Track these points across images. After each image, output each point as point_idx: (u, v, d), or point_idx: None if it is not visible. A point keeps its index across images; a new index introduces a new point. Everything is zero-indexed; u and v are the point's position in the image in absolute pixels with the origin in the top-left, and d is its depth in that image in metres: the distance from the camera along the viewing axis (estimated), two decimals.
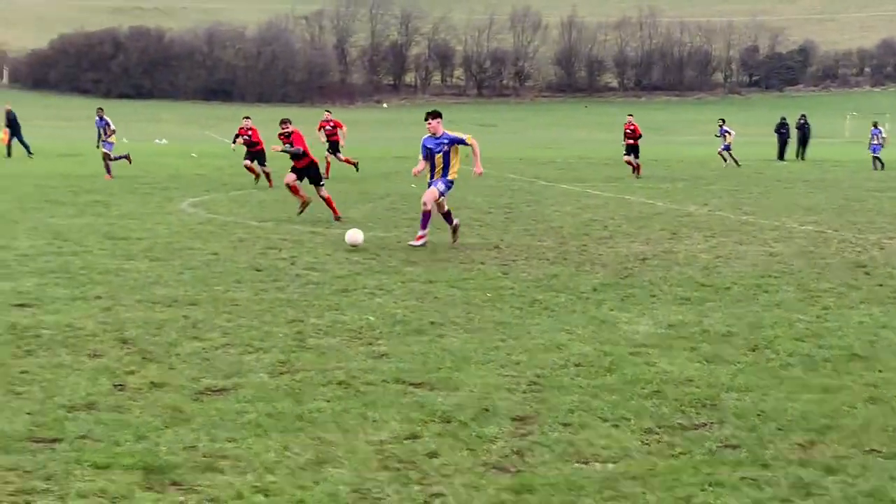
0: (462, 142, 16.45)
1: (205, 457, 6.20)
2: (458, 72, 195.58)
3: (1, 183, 29.43)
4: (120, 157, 34.08)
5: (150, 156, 53.11)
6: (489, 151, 64.87)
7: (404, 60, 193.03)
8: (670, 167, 44.93)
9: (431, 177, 16.52)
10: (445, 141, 16.32)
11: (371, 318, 10.44)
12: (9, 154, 46.59)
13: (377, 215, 21.65)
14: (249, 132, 31.24)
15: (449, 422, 6.97)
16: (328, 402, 7.40)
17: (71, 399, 7.35)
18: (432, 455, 6.31)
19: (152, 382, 7.85)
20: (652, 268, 14.33)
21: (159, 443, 6.43)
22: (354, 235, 16.03)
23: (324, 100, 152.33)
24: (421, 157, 16.63)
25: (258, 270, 13.59)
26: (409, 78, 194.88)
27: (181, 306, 10.93)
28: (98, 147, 34.41)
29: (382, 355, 8.88)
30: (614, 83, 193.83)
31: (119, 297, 11.42)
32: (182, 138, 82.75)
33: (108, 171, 32.95)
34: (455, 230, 16.80)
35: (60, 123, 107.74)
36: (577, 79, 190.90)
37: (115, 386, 7.76)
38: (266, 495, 5.64)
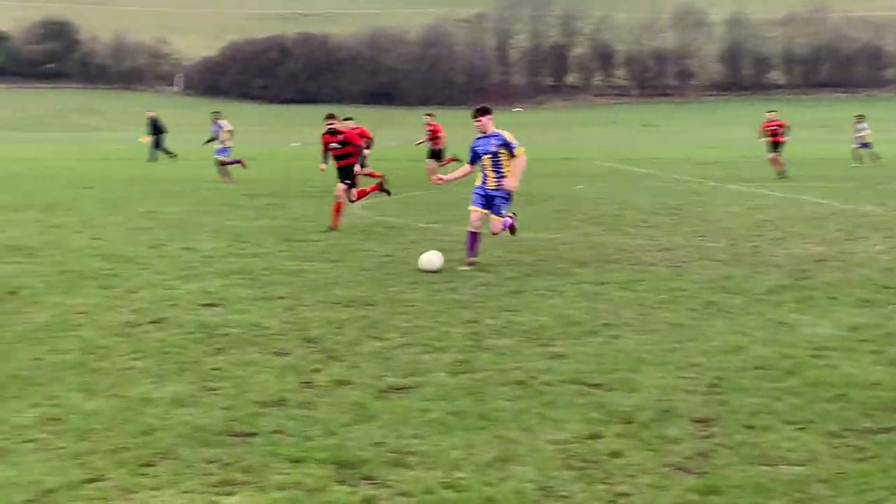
0: (510, 148, 14.45)
1: (393, 452, 6.39)
2: (620, 72, 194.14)
3: (179, 188, 30.55)
4: (234, 162, 34.41)
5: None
6: (653, 152, 64.37)
7: (565, 61, 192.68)
8: (843, 166, 43.73)
9: (484, 182, 14.65)
10: (494, 141, 14.50)
11: (545, 318, 10.52)
12: (154, 158, 48.20)
13: (544, 217, 21.71)
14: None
15: (629, 422, 7.00)
16: (508, 401, 7.51)
17: (262, 395, 7.66)
18: (615, 455, 6.36)
19: (337, 380, 8.11)
20: (830, 269, 14.02)
21: (348, 438, 6.65)
22: (430, 259, 14.23)
23: (486, 102, 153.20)
24: (468, 161, 14.94)
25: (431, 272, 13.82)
26: (571, 78, 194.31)
27: (360, 306, 11.22)
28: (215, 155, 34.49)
29: (558, 356, 8.95)
30: (781, 80, 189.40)
31: (300, 297, 11.80)
32: None
33: (226, 175, 33.25)
34: (470, 264, 14.47)
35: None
36: (742, 77, 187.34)
37: (302, 383, 8.04)
38: (455, 491, 5.78)
